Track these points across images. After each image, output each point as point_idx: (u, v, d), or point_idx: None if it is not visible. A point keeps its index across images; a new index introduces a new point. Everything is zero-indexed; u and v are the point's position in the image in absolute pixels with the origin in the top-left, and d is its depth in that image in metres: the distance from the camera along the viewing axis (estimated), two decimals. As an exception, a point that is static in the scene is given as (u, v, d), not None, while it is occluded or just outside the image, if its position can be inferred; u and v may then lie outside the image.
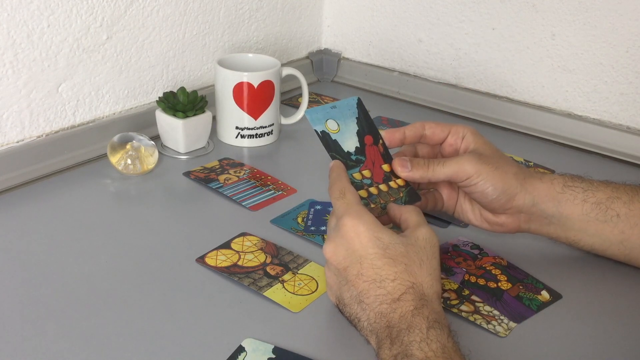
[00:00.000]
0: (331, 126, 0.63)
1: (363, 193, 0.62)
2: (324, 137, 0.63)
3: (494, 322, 0.60)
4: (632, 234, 0.64)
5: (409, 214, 0.59)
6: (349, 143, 0.64)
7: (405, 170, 0.64)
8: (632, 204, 0.64)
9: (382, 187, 0.63)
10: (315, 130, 0.63)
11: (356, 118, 0.65)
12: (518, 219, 0.66)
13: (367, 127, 0.66)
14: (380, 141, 0.65)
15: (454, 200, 0.69)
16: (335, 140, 0.63)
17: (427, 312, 0.51)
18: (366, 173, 0.63)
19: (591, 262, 0.69)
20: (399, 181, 0.64)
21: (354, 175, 0.63)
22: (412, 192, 0.64)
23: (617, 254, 0.66)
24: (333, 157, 0.63)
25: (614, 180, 0.68)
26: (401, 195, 0.64)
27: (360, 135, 0.65)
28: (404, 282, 0.53)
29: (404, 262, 0.54)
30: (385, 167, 0.65)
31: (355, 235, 0.55)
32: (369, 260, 0.54)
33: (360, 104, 0.66)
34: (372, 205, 0.61)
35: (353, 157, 0.63)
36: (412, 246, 0.55)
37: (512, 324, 0.60)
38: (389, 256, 0.54)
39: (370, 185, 0.63)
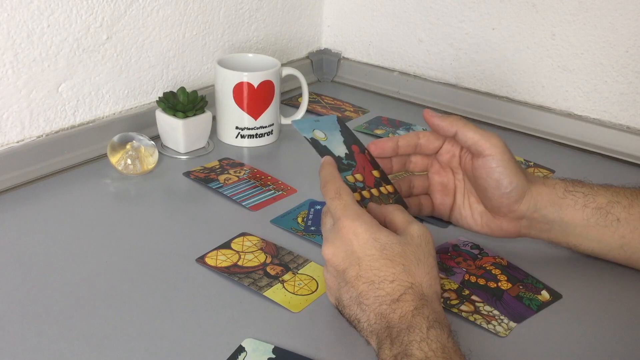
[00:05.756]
0: (319, 135, 0.64)
1: (357, 196, 0.61)
2: (314, 144, 0.63)
3: (494, 322, 0.60)
4: (632, 238, 0.64)
5: (392, 215, 0.59)
6: (339, 149, 0.64)
7: (435, 119, 0.64)
8: (631, 208, 0.63)
9: (374, 191, 0.63)
10: (305, 137, 0.63)
11: (339, 131, 0.66)
12: (519, 225, 0.66)
13: (351, 139, 0.66)
14: (366, 151, 0.66)
15: (447, 207, 0.69)
16: (325, 146, 0.63)
17: (427, 311, 0.51)
18: (358, 177, 0.63)
19: (591, 263, 0.69)
20: (389, 187, 0.64)
21: (347, 177, 0.62)
22: (400, 200, 0.64)
23: (617, 258, 0.66)
24: None
25: (614, 181, 0.68)
26: (390, 202, 0.64)
27: (347, 144, 0.65)
28: (403, 282, 0.53)
29: (402, 263, 0.54)
30: (375, 173, 0.65)
31: (354, 237, 0.55)
32: (367, 261, 0.54)
33: (340, 121, 0.67)
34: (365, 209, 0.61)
35: (344, 162, 0.63)
36: (408, 245, 0.55)
37: (512, 324, 0.60)
38: (387, 257, 0.54)
39: (363, 188, 0.63)
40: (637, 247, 0.64)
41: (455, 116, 0.65)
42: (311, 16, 1.19)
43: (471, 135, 0.63)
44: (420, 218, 0.76)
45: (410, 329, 0.50)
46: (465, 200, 0.68)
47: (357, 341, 0.56)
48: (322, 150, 0.63)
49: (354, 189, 0.62)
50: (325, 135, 0.64)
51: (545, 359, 0.57)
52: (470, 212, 0.68)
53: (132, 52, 0.89)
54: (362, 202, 0.61)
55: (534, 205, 0.64)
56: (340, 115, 1.03)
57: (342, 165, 0.63)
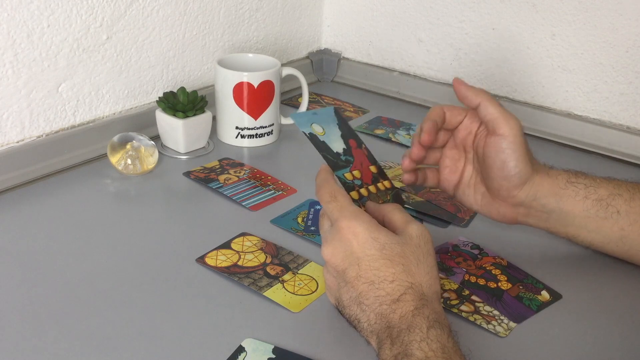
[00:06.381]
0: (317, 129, 0.63)
1: (354, 195, 0.61)
2: (313, 139, 0.63)
3: (494, 322, 0.60)
4: (631, 230, 0.64)
5: (391, 214, 0.58)
6: (336, 145, 0.64)
7: (463, 87, 0.64)
8: (632, 201, 0.64)
9: (372, 188, 0.63)
10: (304, 132, 0.63)
11: (337, 124, 0.65)
12: (516, 211, 0.66)
13: (349, 132, 0.66)
14: (363, 145, 0.66)
15: (452, 184, 0.69)
16: (323, 141, 0.63)
17: (427, 311, 0.51)
18: (356, 173, 0.63)
19: (591, 262, 0.69)
20: (386, 183, 0.64)
21: (345, 175, 0.62)
22: (398, 196, 0.64)
23: (615, 250, 0.66)
24: (325, 157, 0.62)
25: (614, 179, 0.68)
26: (388, 197, 0.64)
27: (345, 138, 0.65)
28: (403, 282, 0.53)
29: (402, 263, 0.54)
30: (372, 168, 0.64)
31: (353, 237, 0.55)
32: (366, 261, 0.54)
33: (337, 113, 0.67)
34: (362, 208, 0.61)
35: (342, 158, 0.63)
36: (407, 245, 0.55)
37: (512, 324, 0.60)
38: (386, 257, 0.54)
39: (361, 186, 0.62)
40: (635, 240, 0.64)
41: (482, 89, 0.65)
42: (311, 16, 1.20)
43: (491, 111, 0.63)
44: (419, 218, 0.76)
45: (411, 328, 0.50)
46: (470, 180, 0.68)
47: (357, 341, 0.56)
48: (321, 146, 0.63)
49: (352, 187, 0.62)
50: (323, 129, 0.64)
51: (545, 359, 0.57)
52: (473, 191, 0.68)
53: (132, 52, 0.89)
54: (360, 201, 0.61)
55: (534, 194, 0.64)
56: (339, 104, 1.03)
57: (340, 162, 0.63)
